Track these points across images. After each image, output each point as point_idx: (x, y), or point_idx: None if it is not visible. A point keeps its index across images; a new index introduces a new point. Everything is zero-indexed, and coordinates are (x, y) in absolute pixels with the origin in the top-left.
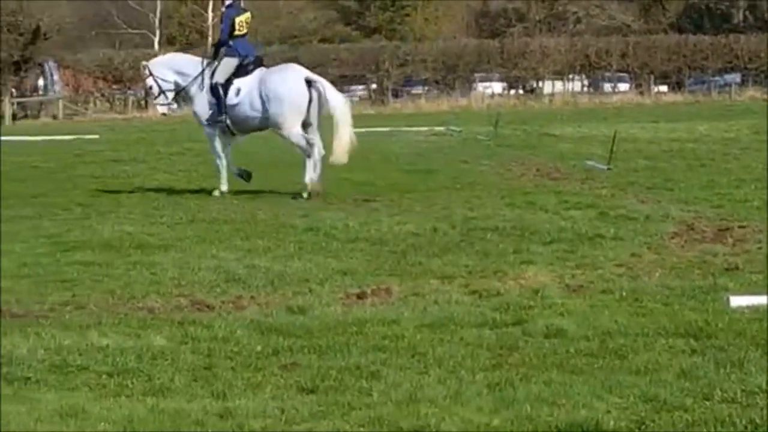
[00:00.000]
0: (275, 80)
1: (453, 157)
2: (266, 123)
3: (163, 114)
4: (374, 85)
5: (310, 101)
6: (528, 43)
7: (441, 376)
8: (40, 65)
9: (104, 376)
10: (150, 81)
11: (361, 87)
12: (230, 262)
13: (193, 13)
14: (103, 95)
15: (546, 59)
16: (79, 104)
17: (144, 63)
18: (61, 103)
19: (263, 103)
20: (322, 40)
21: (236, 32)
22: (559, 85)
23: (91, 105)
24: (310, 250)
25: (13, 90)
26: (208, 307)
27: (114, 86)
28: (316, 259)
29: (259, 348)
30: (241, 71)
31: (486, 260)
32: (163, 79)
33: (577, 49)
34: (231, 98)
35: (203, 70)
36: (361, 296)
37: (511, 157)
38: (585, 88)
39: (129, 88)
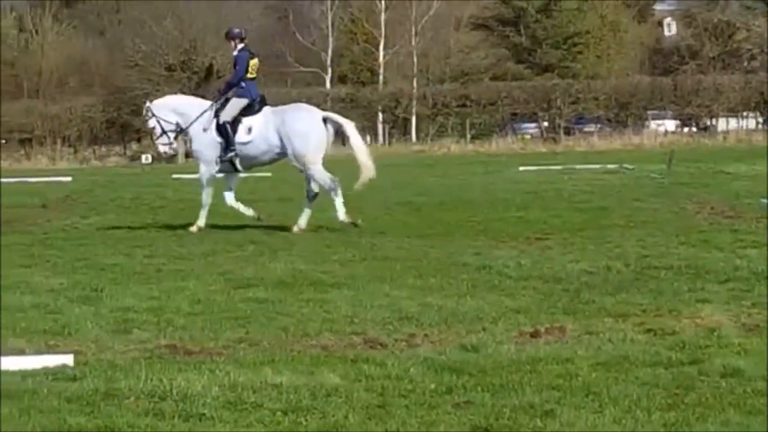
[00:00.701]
0: (296, 118)
1: (626, 195)
2: (277, 159)
3: (165, 153)
4: (546, 123)
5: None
6: (701, 81)
7: (616, 415)
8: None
9: (278, 414)
10: (153, 122)
11: (533, 125)
12: (403, 300)
13: (364, 52)
14: None
15: (720, 96)
16: None
17: (147, 105)
18: None
19: (281, 140)
20: (494, 78)
21: (248, 75)
22: (733, 122)
23: None
24: (483, 288)
25: None
26: (381, 344)
27: None
28: (488, 297)
29: (432, 386)
30: (248, 110)
31: (660, 299)
32: (165, 120)
33: (752, 86)
34: (241, 136)
35: (205, 111)
36: (534, 335)
37: (685, 195)
38: (759, 126)
39: None
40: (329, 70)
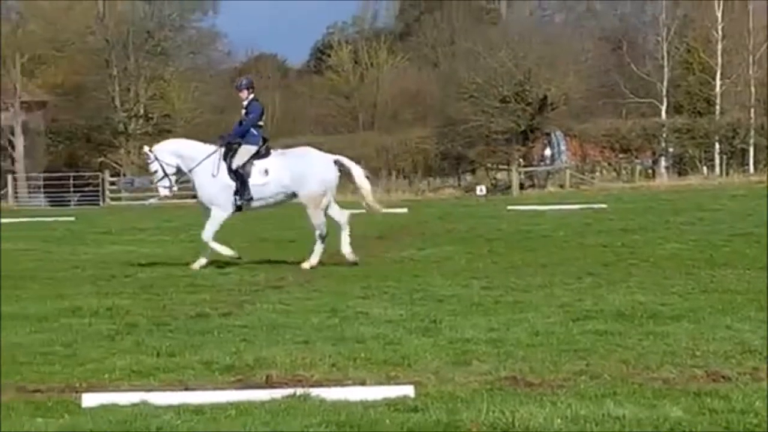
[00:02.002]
0: (309, 161)
1: None
2: (284, 201)
3: (165, 196)
4: None
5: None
6: None
7: None
8: (547, 135)
9: None
10: (155, 165)
11: None
12: (745, 333)
13: (700, 81)
14: (609, 164)
15: None
16: (586, 173)
17: (148, 148)
18: (568, 173)
19: (294, 182)
20: None
21: (259, 122)
22: None
23: (598, 174)
24: None
25: (521, 159)
26: (724, 377)
27: (620, 155)
28: None
29: None
30: (255, 155)
31: None
32: (167, 164)
33: None
34: (257, 179)
35: (210, 155)
36: None
37: None
38: None
39: (636, 157)
40: (665, 101)
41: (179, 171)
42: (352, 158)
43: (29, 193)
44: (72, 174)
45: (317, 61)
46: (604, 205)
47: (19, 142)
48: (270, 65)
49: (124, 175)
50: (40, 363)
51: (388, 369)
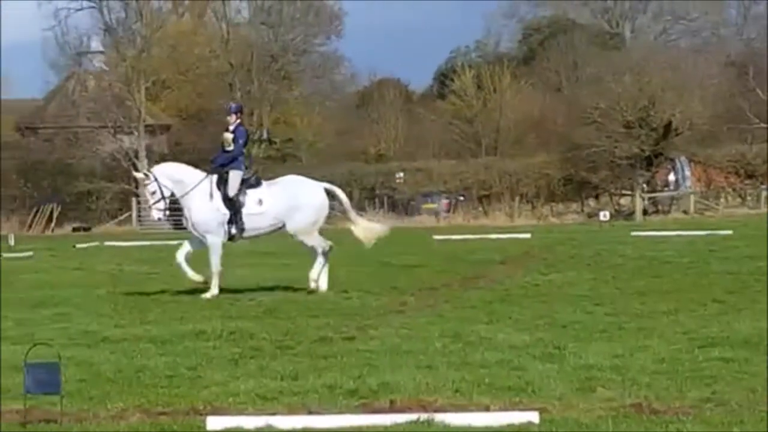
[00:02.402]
0: (301, 191)
1: None
2: (274, 231)
3: (159, 219)
4: None
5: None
6: None
7: None
8: (672, 160)
9: None
10: (154, 186)
11: None
12: None
13: None
14: (734, 190)
15: None
16: (710, 199)
17: (148, 170)
18: (692, 198)
19: (287, 212)
20: None
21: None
22: None
23: (722, 200)
24: None
25: (645, 185)
26: None
27: (746, 181)
28: None
29: None
30: (246, 183)
31: None
32: (165, 186)
33: None
34: (253, 208)
35: (202, 182)
36: None
37: None
38: None
39: (762, 183)
40: None
41: (172, 195)
42: (474, 183)
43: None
44: None
45: (440, 85)
46: (729, 232)
47: (143, 165)
48: (393, 89)
49: None
50: (165, 386)
51: (512, 395)
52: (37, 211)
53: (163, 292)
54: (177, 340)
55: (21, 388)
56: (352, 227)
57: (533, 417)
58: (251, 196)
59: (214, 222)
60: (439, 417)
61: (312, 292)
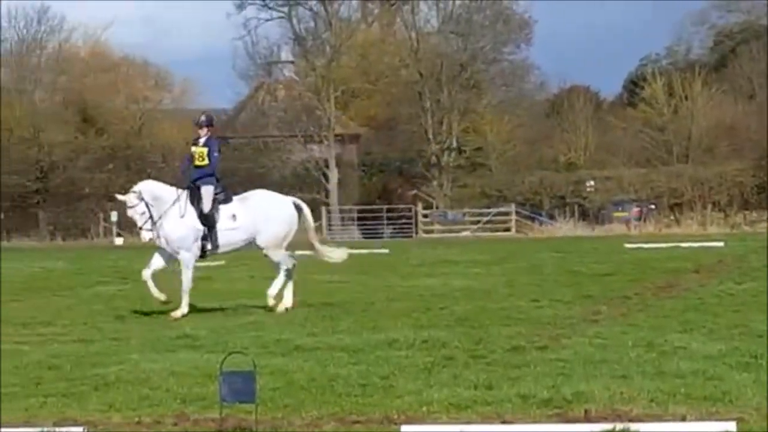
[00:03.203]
0: (272, 205)
1: None
2: (245, 246)
3: (150, 239)
4: None
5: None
6: None
7: None
8: None
9: None
10: (143, 207)
11: None
12: None
13: None
14: None
15: None
16: None
17: (136, 188)
18: None
19: (258, 226)
20: None
21: None
22: None
23: None
24: None
25: None
26: None
27: None
28: None
29: None
30: (217, 199)
31: None
32: (151, 205)
33: None
34: (227, 223)
35: (177, 199)
36: None
37: None
38: None
39: None
40: None
41: (152, 213)
42: (665, 191)
43: (342, 225)
44: (385, 206)
45: (630, 93)
46: None
47: (333, 174)
48: (582, 97)
49: (437, 207)
50: (358, 395)
51: (708, 405)
52: None
53: (354, 301)
54: (369, 349)
55: (216, 397)
56: (314, 248)
57: (731, 427)
58: (224, 212)
59: (190, 238)
60: (635, 427)
61: (271, 310)
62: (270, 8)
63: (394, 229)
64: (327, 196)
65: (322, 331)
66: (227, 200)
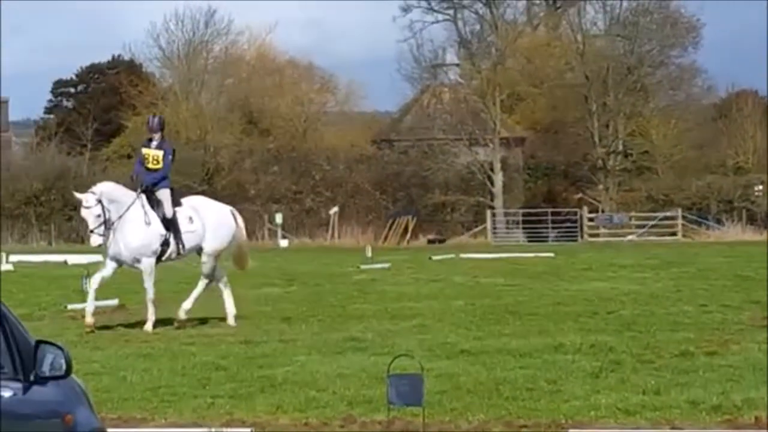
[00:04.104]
0: (214, 211)
1: None
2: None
3: (100, 245)
4: None
5: None
6: None
7: None
8: None
9: None
10: (99, 209)
11: None
12: None
13: None
14: None
15: None
16: None
17: (96, 190)
18: None
19: (207, 231)
20: None
21: None
22: None
23: None
24: None
25: None
26: None
27: None
28: None
29: None
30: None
31: None
32: (108, 209)
33: None
34: (187, 226)
35: (134, 202)
36: None
37: None
38: None
39: None
40: None
41: (110, 218)
42: None
43: (507, 228)
44: (550, 210)
45: None
46: None
47: (498, 178)
48: (751, 101)
49: (603, 211)
50: (525, 398)
51: None
52: (392, 223)
53: (520, 304)
54: (536, 353)
55: (383, 400)
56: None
57: None
58: (182, 214)
59: (155, 245)
60: None
61: (180, 327)
62: (435, 11)
63: (559, 232)
64: (492, 200)
65: (489, 335)
66: (178, 203)
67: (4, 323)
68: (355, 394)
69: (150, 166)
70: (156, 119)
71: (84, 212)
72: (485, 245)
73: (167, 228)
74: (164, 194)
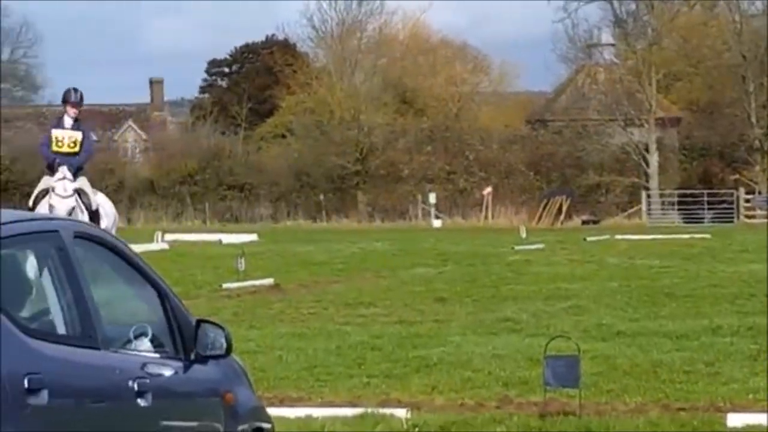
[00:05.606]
0: (106, 202)
1: None
2: None
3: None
4: None
5: None
6: None
7: None
8: None
9: None
10: (73, 201)
11: None
12: None
13: None
14: None
15: None
16: None
17: (75, 186)
18: None
19: (105, 221)
20: None
21: None
22: None
23: None
24: None
25: None
26: None
27: None
28: None
29: None
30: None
31: None
32: (82, 201)
33: None
34: (102, 217)
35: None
36: None
37: None
38: None
39: None
40: None
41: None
42: None
43: (662, 209)
44: (706, 191)
45: None
46: None
47: (653, 158)
48: None
49: (759, 192)
50: (682, 381)
51: None
52: (546, 204)
53: (676, 286)
54: (693, 335)
55: (538, 381)
56: None
57: None
58: (96, 202)
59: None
60: None
61: None
62: None
63: (715, 214)
64: (647, 180)
65: (645, 317)
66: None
67: (166, 302)
68: (510, 375)
69: (66, 149)
70: (76, 93)
71: (57, 186)
72: (640, 226)
73: (93, 219)
74: (85, 183)
